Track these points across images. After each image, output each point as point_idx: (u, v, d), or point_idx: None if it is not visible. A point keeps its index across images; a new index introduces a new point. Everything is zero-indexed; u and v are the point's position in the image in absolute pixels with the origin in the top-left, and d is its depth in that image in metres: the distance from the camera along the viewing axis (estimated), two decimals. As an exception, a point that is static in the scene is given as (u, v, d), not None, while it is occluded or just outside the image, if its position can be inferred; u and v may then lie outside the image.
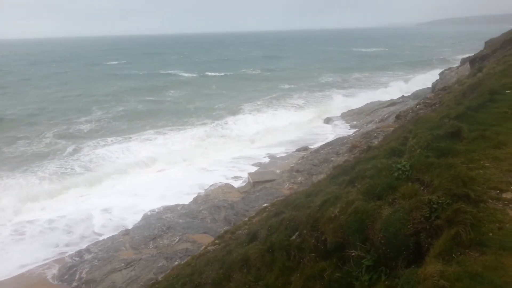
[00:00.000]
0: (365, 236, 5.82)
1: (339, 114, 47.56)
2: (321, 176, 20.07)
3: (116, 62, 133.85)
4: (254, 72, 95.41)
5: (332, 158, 26.10)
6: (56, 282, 17.80)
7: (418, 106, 24.67)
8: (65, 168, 32.09)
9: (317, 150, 30.38)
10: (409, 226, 5.32)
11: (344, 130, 39.99)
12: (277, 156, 33.77)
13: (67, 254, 19.89)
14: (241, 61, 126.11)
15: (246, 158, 33.62)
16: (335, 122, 44.19)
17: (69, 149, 36.73)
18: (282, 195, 22.02)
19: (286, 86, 73.26)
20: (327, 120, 45.64)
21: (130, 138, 40.30)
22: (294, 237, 7.40)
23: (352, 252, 5.81)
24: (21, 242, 21.32)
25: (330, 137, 36.44)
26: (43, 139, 40.51)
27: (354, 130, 37.24)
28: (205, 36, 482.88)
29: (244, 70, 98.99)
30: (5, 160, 33.82)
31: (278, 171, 28.38)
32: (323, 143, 33.27)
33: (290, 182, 24.74)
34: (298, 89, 69.22)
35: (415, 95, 47.12)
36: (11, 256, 19.79)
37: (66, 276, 18.12)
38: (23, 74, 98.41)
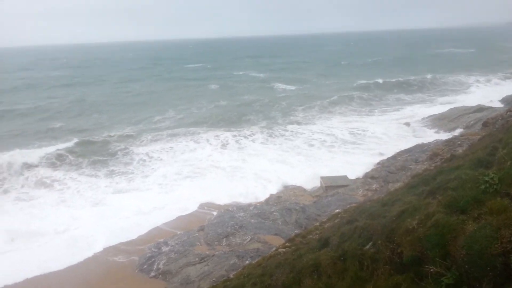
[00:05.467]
0: (445, 252, 5.51)
1: (419, 119, 45.24)
2: (398, 185, 19.28)
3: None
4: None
5: (410, 166, 24.93)
6: (136, 271, 19.09)
7: (509, 113, 22.68)
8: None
9: (394, 157, 29.19)
10: (496, 245, 4.94)
11: (424, 136, 37.99)
12: (350, 161, 33.05)
13: (147, 246, 21.26)
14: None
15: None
16: (415, 128, 42.08)
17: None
18: (355, 201, 21.51)
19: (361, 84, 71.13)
20: (407, 125, 43.63)
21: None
22: (367, 246, 7.22)
23: (431, 268, 5.52)
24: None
25: (411, 142, 34.80)
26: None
27: (436, 137, 35.18)
28: (281, 38, 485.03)
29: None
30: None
31: (351, 177, 27.73)
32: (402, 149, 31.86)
33: (364, 189, 24.07)
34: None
35: (505, 100, 43.32)
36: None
37: (145, 266, 19.35)
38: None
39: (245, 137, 42.60)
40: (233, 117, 52.13)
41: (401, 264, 6.18)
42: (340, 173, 28.86)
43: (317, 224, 17.81)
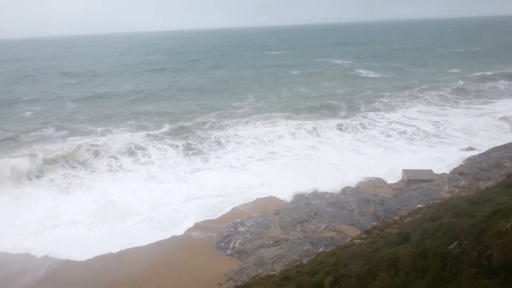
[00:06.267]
0: (543, 260, 5.05)
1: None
2: (490, 183, 17.84)
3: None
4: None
5: (505, 164, 22.86)
6: (214, 248, 20.05)
7: None
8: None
9: (487, 153, 26.94)
10: None
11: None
12: (434, 155, 31.15)
13: (224, 225, 22.15)
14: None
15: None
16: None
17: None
18: (440, 197, 20.32)
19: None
20: (504, 120, 39.81)
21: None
22: (452, 246, 6.83)
23: (525, 275, 5.11)
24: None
25: (506, 139, 31.81)
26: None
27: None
28: (370, 24, 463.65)
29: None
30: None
31: (436, 171, 26.13)
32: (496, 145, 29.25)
33: (450, 185, 22.60)
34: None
35: None
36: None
37: (222, 244, 20.22)
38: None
39: (324, 125, 41.97)
40: (313, 105, 51.59)
41: (489, 268, 5.78)
42: (423, 167, 27.34)
43: (397, 218, 17.15)
